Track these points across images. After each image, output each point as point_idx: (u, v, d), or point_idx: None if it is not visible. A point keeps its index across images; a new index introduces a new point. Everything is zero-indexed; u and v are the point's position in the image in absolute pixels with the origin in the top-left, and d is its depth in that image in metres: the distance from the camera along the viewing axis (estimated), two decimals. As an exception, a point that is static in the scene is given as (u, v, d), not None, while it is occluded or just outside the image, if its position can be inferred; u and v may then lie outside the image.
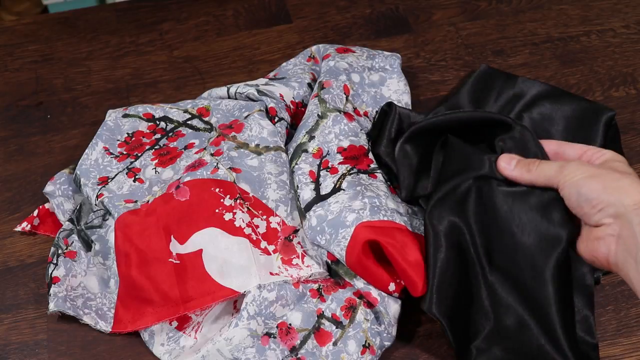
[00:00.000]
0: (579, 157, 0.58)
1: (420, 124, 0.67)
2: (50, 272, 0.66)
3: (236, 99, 0.77)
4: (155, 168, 0.71)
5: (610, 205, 0.50)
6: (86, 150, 0.73)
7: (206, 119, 0.75)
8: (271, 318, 0.61)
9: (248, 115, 0.72)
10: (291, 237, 0.66)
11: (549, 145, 0.61)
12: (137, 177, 0.71)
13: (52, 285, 0.65)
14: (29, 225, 0.71)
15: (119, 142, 0.74)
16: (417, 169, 0.68)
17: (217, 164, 0.67)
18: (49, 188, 0.72)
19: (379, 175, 0.68)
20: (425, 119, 0.67)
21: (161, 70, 0.87)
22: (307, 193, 0.66)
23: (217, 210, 0.64)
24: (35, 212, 0.72)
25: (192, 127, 0.75)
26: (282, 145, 0.70)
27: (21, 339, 0.65)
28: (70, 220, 0.70)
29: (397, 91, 0.78)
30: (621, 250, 0.50)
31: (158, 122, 0.76)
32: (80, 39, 0.91)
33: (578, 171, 0.54)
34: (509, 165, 0.58)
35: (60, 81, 0.86)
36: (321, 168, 0.67)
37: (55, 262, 0.66)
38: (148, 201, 0.67)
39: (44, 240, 0.71)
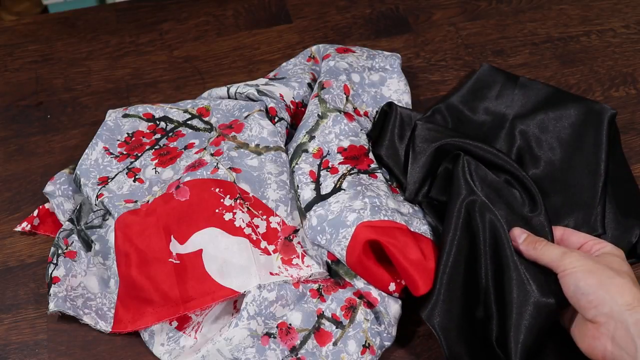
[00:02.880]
0: (580, 246, 0.61)
1: (456, 142, 0.68)
2: (50, 272, 0.66)
3: (236, 99, 0.77)
4: (155, 168, 0.71)
5: (605, 304, 0.53)
6: (86, 150, 0.73)
7: (206, 119, 0.75)
8: (271, 318, 0.61)
9: (248, 115, 0.72)
10: (291, 237, 0.66)
11: (555, 230, 0.64)
12: (137, 177, 0.71)
13: (52, 285, 0.65)
14: (29, 225, 0.71)
15: (119, 142, 0.74)
16: (427, 173, 0.69)
17: (217, 164, 0.67)
18: (49, 188, 0.72)
19: (380, 175, 0.68)
20: (464, 141, 0.68)
21: (161, 70, 0.87)
22: (307, 193, 0.66)
23: (217, 210, 0.64)
24: (35, 212, 0.72)
25: (192, 127, 0.75)
26: (282, 145, 0.70)
27: (21, 339, 0.65)
28: (70, 220, 0.69)
29: (398, 91, 0.78)
30: (617, 350, 0.52)
31: (158, 122, 0.76)
32: (80, 39, 0.91)
33: (578, 262, 0.56)
34: (519, 238, 0.61)
35: (60, 81, 0.86)
36: (321, 168, 0.67)
37: (55, 262, 0.66)
38: (148, 201, 0.67)
39: (44, 240, 0.71)
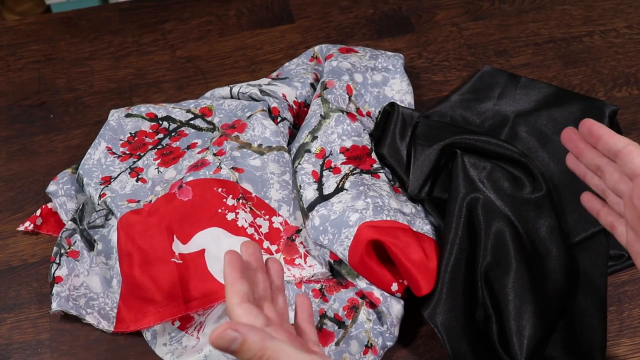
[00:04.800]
0: None
1: (456, 139, 0.68)
2: (52, 271, 0.66)
3: (239, 98, 0.77)
4: (157, 168, 0.71)
5: None
6: (89, 150, 0.73)
7: (209, 118, 0.75)
8: (274, 318, 0.61)
9: (251, 115, 0.72)
10: (294, 237, 0.66)
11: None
12: (139, 176, 0.71)
13: (55, 284, 0.65)
14: (32, 225, 0.71)
15: (121, 141, 0.74)
16: (429, 170, 0.69)
17: (220, 163, 0.67)
18: (51, 187, 0.72)
19: (382, 175, 0.68)
20: (465, 137, 0.68)
21: (164, 70, 0.87)
22: (310, 193, 0.66)
23: (219, 210, 0.64)
24: (38, 212, 0.72)
25: (194, 127, 0.75)
26: (285, 145, 0.70)
27: (24, 339, 0.65)
28: (73, 219, 0.70)
29: (400, 91, 0.78)
30: None
31: (161, 122, 0.76)
32: (82, 39, 0.91)
33: None
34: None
35: (62, 81, 0.86)
36: (324, 168, 0.67)
37: (57, 261, 0.66)
38: (151, 201, 0.67)
39: (47, 239, 0.71)
